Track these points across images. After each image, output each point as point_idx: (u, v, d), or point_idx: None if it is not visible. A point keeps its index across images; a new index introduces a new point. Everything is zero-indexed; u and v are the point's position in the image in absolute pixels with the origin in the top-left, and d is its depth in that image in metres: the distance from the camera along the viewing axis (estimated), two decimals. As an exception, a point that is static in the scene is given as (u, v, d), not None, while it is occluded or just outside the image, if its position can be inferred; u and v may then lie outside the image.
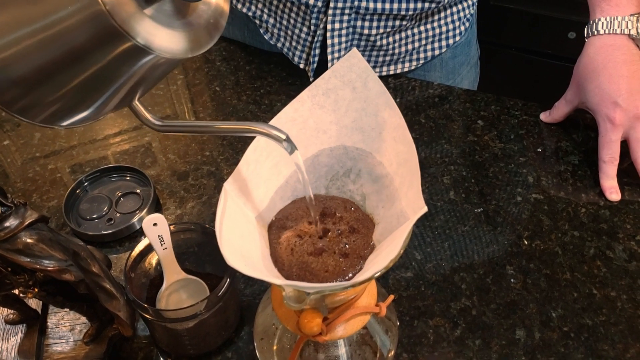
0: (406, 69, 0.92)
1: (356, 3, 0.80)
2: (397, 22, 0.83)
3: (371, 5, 0.80)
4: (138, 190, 0.75)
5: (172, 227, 0.59)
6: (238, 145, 0.83)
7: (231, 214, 0.42)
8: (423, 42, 0.89)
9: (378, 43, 0.86)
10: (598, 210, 0.72)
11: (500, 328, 0.62)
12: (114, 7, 0.30)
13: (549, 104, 0.85)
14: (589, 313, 0.62)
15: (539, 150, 0.80)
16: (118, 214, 0.73)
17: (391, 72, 0.92)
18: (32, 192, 0.78)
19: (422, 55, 0.91)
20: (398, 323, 0.61)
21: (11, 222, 0.47)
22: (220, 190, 0.43)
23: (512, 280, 0.66)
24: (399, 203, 0.45)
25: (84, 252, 0.52)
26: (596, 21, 0.76)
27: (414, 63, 0.92)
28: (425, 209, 0.40)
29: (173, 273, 0.60)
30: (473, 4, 0.92)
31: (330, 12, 0.81)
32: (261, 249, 0.45)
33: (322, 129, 0.48)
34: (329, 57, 0.86)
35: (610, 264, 0.67)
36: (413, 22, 0.85)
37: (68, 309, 0.57)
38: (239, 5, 0.91)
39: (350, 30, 0.83)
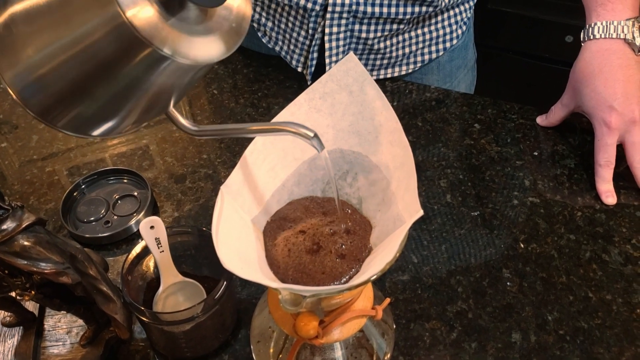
0: (403, 72, 0.92)
1: (354, 7, 0.80)
2: (395, 26, 0.84)
3: (369, 9, 0.81)
4: (135, 193, 0.75)
5: (169, 229, 0.59)
6: (235, 148, 0.83)
7: (228, 217, 0.43)
8: (420, 45, 0.89)
9: (375, 46, 0.86)
10: (594, 214, 0.73)
11: (497, 331, 0.62)
12: (137, 19, 0.30)
13: (545, 108, 0.85)
14: (585, 316, 0.63)
15: (536, 153, 0.81)
16: (115, 217, 0.73)
17: (388, 76, 0.92)
18: (30, 194, 0.78)
19: (419, 58, 0.91)
20: (394, 326, 0.61)
21: (8, 225, 0.47)
22: (218, 193, 0.43)
23: (508, 283, 0.66)
24: (396, 206, 0.45)
25: (81, 255, 0.52)
26: (592, 25, 0.76)
27: (411, 66, 0.92)
28: (421, 212, 0.40)
29: (170, 276, 0.60)
30: (470, 8, 0.92)
31: (328, 15, 0.81)
32: (257, 251, 0.45)
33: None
34: (327, 60, 0.86)
35: (606, 267, 0.67)
36: (410, 25, 0.86)
37: (65, 312, 0.58)
38: None
39: (348, 34, 0.84)
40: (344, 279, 0.44)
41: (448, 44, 0.92)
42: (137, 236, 0.72)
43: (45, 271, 0.48)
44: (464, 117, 0.86)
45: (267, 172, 0.48)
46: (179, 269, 0.61)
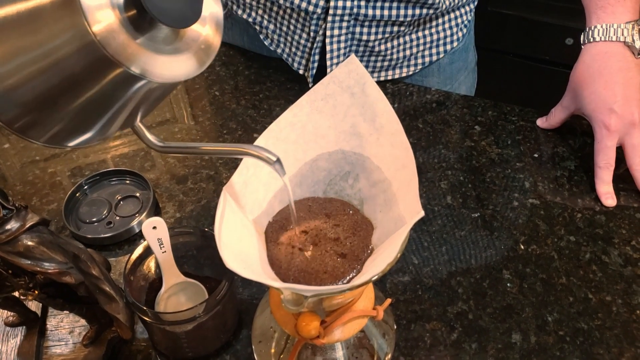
0: (404, 74, 0.93)
1: (355, 10, 0.81)
2: (396, 28, 0.84)
3: (370, 11, 0.81)
4: (137, 194, 0.76)
5: (171, 230, 0.59)
6: (237, 150, 0.83)
7: (230, 218, 0.43)
8: (421, 47, 0.90)
9: (376, 49, 0.87)
10: (594, 216, 0.73)
11: (497, 332, 0.62)
12: (105, 38, 0.31)
13: (546, 110, 0.86)
14: (585, 317, 0.63)
15: (536, 155, 0.81)
16: (117, 218, 0.73)
17: (389, 77, 0.93)
18: (32, 195, 0.78)
19: (420, 60, 0.92)
20: (395, 327, 0.61)
21: (12, 225, 0.47)
22: (219, 193, 0.43)
23: (508, 284, 0.66)
24: (397, 207, 0.46)
25: (84, 255, 0.53)
26: (592, 28, 0.76)
27: (412, 68, 0.92)
28: (422, 213, 0.40)
29: (172, 276, 0.61)
30: (471, 11, 0.93)
31: (329, 18, 0.82)
32: (259, 252, 0.45)
33: (320, 134, 0.49)
34: (328, 62, 0.86)
35: (606, 268, 0.67)
36: (411, 28, 0.86)
37: (68, 312, 0.58)
38: (240, 12, 0.92)
39: (349, 36, 0.84)
40: (346, 279, 0.45)
41: (449, 47, 0.92)
42: (139, 237, 0.72)
43: (49, 271, 0.49)
44: (464, 119, 0.87)
45: (269, 173, 0.48)
46: (181, 269, 0.61)
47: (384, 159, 0.47)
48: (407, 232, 0.41)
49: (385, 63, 0.90)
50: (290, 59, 0.92)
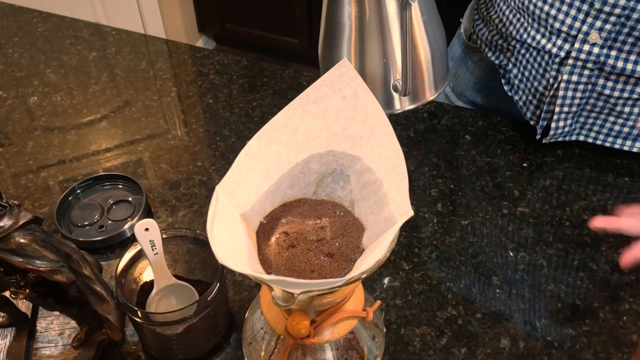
0: None
1: (602, 58, 0.72)
2: None
3: (620, 64, 0.71)
4: (130, 198, 0.76)
5: (163, 232, 0.60)
6: (230, 156, 0.84)
7: (222, 216, 0.43)
8: None
9: (618, 108, 0.76)
10: (582, 224, 0.74)
11: (486, 337, 0.63)
12: None
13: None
14: (572, 323, 0.64)
15: (525, 165, 0.82)
16: (110, 221, 0.74)
17: (626, 148, 0.80)
18: (25, 199, 0.78)
19: None
20: (385, 330, 0.62)
21: (5, 222, 0.48)
22: (211, 199, 0.44)
23: (497, 290, 0.67)
24: (387, 208, 0.46)
25: (75, 255, 0.53)
26: None
27: None
28: (411, 213, 0.41)
29: (163, 278, 0.61)
30: None
31: (570, 61, 0.74)
32: (250, 250, 0.46)
33: (312, 136, 0.49)
34: (557, 109, 0.78)
35: (593, 275, 0.68)
36: None
37: (58, 312, 0.58)
38: (490, 54, 0.87)
39: (589, 87, 0.75)
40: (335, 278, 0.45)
41: None
42: (131, 241, 0.72)
43: (41, 269, 0.49)
44: (455, 129, 0.88)
45: (261, 174, 0.49)
46: (173, 272, 0.62)
47: (374, 160, 0.48)
48: (396, 231, 0.41)
49: (626, 129, 0.78)
50: (525, 108, 0.84)
